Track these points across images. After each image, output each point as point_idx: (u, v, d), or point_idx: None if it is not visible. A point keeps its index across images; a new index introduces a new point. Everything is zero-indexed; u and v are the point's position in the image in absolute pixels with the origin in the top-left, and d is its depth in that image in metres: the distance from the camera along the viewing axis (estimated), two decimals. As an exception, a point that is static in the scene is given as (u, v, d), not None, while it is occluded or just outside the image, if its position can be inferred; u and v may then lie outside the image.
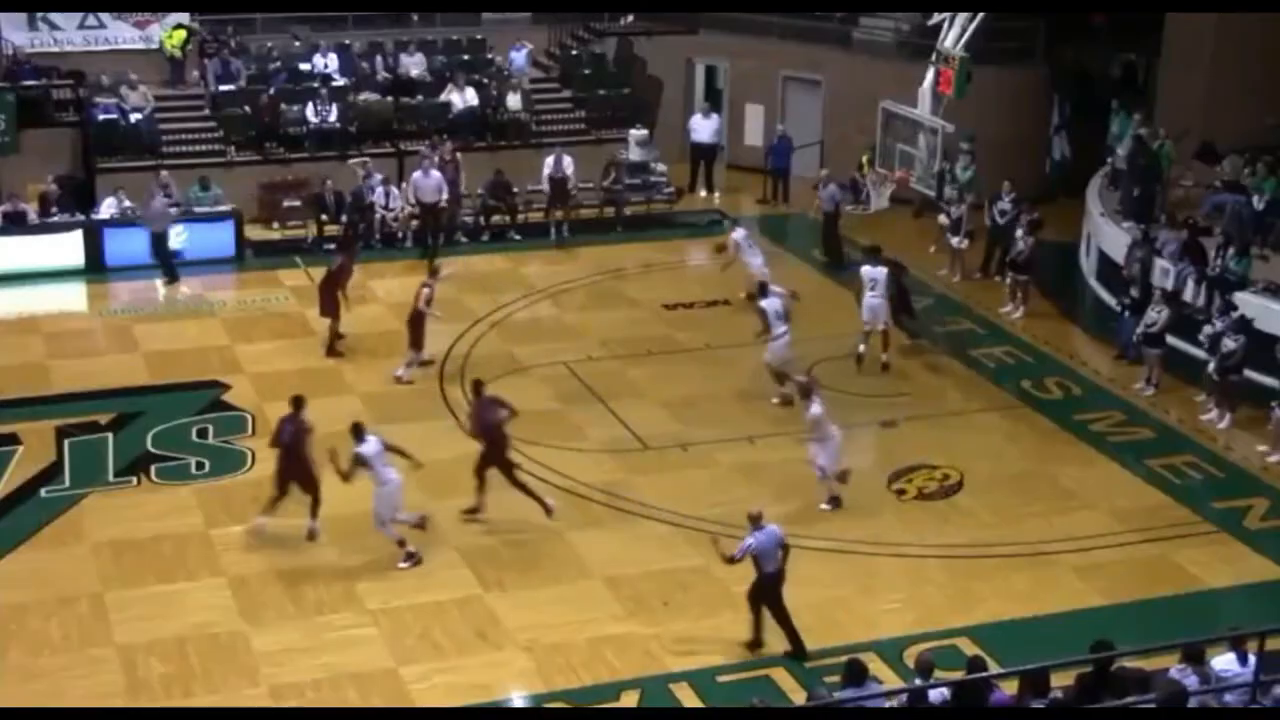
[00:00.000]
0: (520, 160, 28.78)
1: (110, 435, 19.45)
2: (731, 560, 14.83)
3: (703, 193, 30.63)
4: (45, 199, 25.93)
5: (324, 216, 26.79)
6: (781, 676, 14.63)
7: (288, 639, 15.24)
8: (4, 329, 23.30)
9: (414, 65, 30.64)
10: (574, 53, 32.58)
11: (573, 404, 20.79)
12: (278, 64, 30.10)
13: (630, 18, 33.08)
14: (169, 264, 25.18)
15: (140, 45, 29.78)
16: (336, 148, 28.35)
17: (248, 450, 19.01)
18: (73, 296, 24.77)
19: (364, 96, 29.29)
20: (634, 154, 29.91)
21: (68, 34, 29.51)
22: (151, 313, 23.99)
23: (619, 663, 14.88)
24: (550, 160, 27.88)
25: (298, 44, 30.77)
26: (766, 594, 14.87)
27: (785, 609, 14.92)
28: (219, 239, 26.17)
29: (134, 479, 18.43)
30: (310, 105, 28.47)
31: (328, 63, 29.99)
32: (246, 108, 28.64)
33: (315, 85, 29.07)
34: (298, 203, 27.33)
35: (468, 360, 22.09)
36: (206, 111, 28.98)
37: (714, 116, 31.16)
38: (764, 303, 20.85)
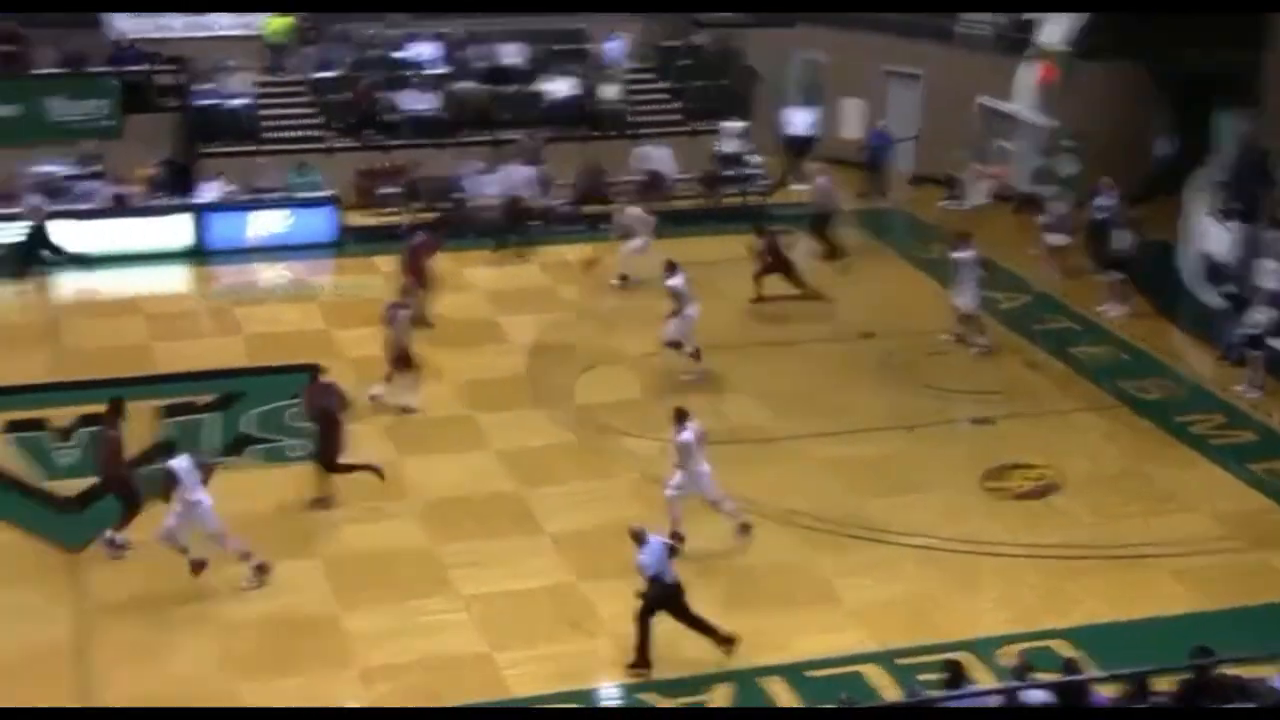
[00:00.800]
0: (615, 150, 28.82)
1: (215, 415, 19.72)
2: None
3: (795, 185, 30.46)
4: (151, 182, 26.32)
5: (418, 203, 26.96)
6: (871, 672, 14.52)
7: (380, 622, 15.32)
8: (109, 310, 23.71)
9: (511, 54, 30.73)
10: (673, 44, 32.51)
11: (660, 395, 20.69)
12: (377, 51, 30.32)
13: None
14: (56, 252, 24.90)
15: (240, 31, 30.13)
16: (433, 135, 28.52)
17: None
18: (176, 279, 25.12)
19: (461, 85, 29.43)
20: (730, 146, 29.84)
21: (169, 19, 29.86)
22: (252, 296, 24.30)
23: (709, 656, 14.82)
24: (646, 151, 27.90)
25: (396, 32, 30.97)
26: (674, 603, 14.54)
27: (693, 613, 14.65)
28: (320, 224, 26.50)
29: (231, 458, 18.62)
30: (408, 93, 28.65)
31: (426, 51, 30.16)
32: (347, 94, 28.88)
33: (413, 73, 29.24)
34: (394, 189, 27.55)
35: (559, 350, 22.16)
36: (307, 98, 29.26)
37: (809, 109, 30.95)
38: (672, 281, 20.86)
